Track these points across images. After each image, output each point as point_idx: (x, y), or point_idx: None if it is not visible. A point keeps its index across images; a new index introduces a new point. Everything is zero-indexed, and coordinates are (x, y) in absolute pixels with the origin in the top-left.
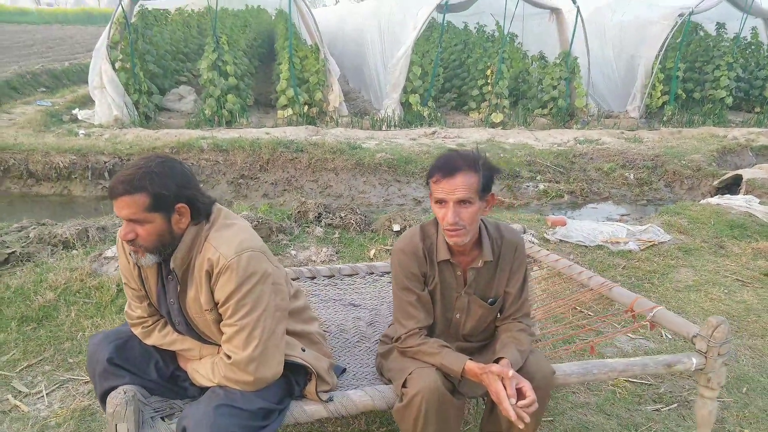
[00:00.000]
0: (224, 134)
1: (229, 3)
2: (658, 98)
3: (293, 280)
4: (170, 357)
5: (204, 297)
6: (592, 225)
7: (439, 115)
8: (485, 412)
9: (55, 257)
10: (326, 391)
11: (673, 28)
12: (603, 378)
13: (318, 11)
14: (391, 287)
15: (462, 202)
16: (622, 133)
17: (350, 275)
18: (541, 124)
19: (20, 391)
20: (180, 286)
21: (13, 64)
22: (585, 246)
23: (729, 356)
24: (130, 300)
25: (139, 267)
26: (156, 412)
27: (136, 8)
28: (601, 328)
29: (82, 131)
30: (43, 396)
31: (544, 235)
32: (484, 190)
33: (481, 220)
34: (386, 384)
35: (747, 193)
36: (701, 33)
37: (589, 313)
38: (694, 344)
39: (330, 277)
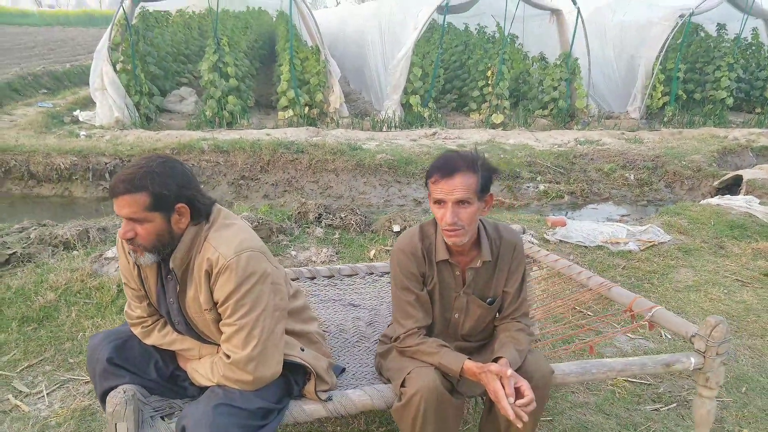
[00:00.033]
0: (225, 135)
1: (230, 5)
2: (659, 99)
3: (293, 280)
4: (170, 357)
5: (203, 297)
6: (592, 225)
7: (439, 116)
8: (484, 412)
9: (56, 258)
10: (325, 391)
11: (673, 29)
12: (601, 377)
13: (319, 13)
14: (390, 287)
15: (460, 202)
16: (623, 133)
17: (350, 275)
18: (542, 125)
19: (21, 391)
20: (179, 286)
21: (15, 66)
22: (585, 246)
23: (728, 356)
24: (129, 300)
25: (138, 267)
26: (156, 411)
27: (137, 10)
28: (601, 328)
29: (83, 132)
30: (43, 396)
31: (544, 235)
32: (483, 190)
33: (480, 220)
34: (385, 383)
35: (747, 193)
36: (702, 34)
37: (589, 313)
38: (693, 344)
39: (330, 277)
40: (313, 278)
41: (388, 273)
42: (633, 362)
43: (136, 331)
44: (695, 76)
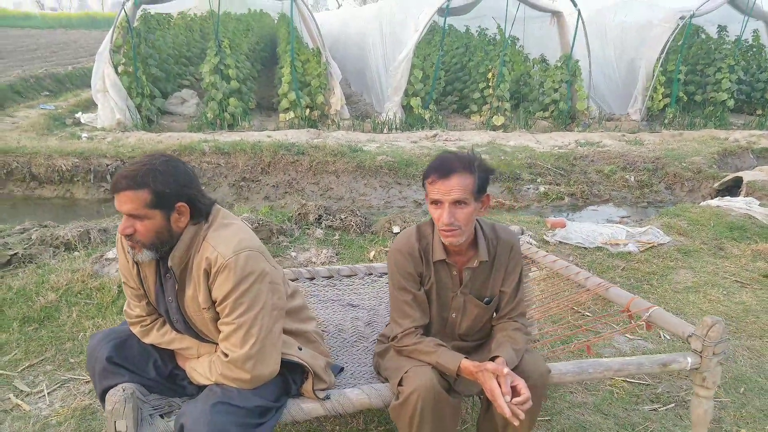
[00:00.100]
0: (226, 137)
1: (232, 7)
2: (660, 101)
3: (292, 280)
4: (169, 356)
5: (202, 295)
6: (592, 227)
7: (440, 117)
8: (481, 411)
9: (57, 259)
10: (323, 390)
11: (674, 31)
12: (598, 377)
13: (320, 15)
14: (388, 288)
15: (457, 202)
16: (623, 135)
17: (349, 276)
18: (543, 126)
19: (22, 391)
20: (178, 285)
21: (17, 68)
22: (584, 248)
23: (725, 356)
24: (129, 299)
25: (137, 266)
26: (155, 409)
27: (139, 12)
28: (599, 328)
29: (84, 134)
30: (44, 395)
31: (544, 236)
32: (480, 191)
33: (477, 220)
34: (383, 383)
35: (747, 195)
36: (702, 36)
37: (587, 313)
38: (690, 344)
39: (329, 277)
40: (312, 279)
41: (386, 274)
42: (630, 362)
43: (135, 330)
44: (696, 78)
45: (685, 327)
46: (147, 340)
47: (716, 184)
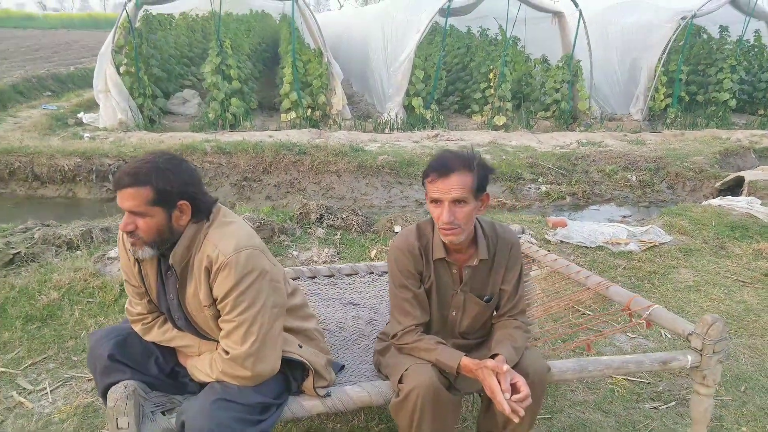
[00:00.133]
0: (228, 137)
1: (234, 8)
2: (661, 101)
3: (294, 279)
4: (170, 353)
5: (203, 293)
6: (593, 226)
7: (441, 117)
8: (481, 409)
9: (60, 258)
10: (324, 387)
11: (675, 31)
12: (599, 375)
13: (323, 15)
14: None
15: (457, 201)
16: (625, 135)
17: (350, 275)
18: (544, 126)
19: (25, 389)
20: (179, 282)
21: (19, 69)
22: (586, 247)
23: (725, 354)
24: (130, 297)
25: (139, 264)
26: (156, 406)
27: (141, 13)
28: (600, 327)
29: (86, 134)
30: (47, 393)
31: (545, 236)
32: (479, 189)
33: (477, 219)
34: (384, 380)
35: (749, 194)
36: (704, 36)
37: (588, 312)
38: (690, 342)
39: (330, 276)
40: (313, 277)
41: (387, 272)
42: (630, 360)
43: (137, 327)
44: (698, 78)
45: (685, 325)
46: (148, 338)
47: (718, 184)
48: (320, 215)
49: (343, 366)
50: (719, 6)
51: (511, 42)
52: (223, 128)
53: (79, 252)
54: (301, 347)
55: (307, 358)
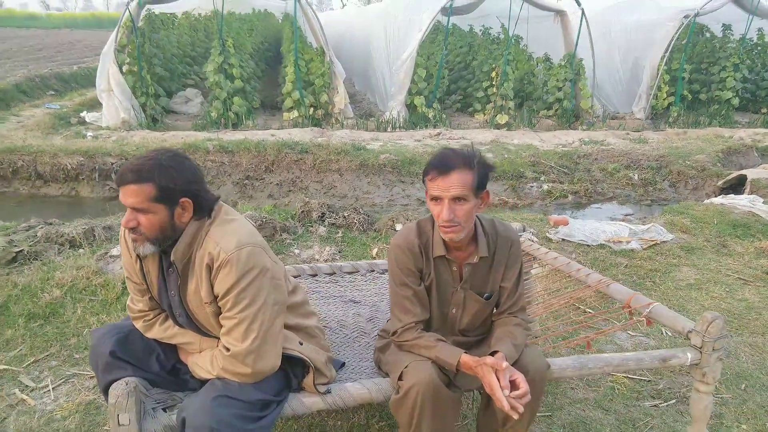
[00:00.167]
0: (230, 136)
1: (236, 7)
2: (664, 99)
3: (295, 277)
4: (171, 350)
5: (204, 290)
6: (595, 224)
7: (444, 116)
8: (481, 406)
9: (62, 256)
10: (324, 384)
11: (678, 30)
12: (598, 372)
13: (325, 15)
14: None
15: (457, 199)
16: (628, 134)
17: (351, 273)
18: (547, 125)
19: (27, 386)
20: (181, 279)
21: (23, 68)
22: (587, 245)
23: (725, 351)
24: (132, 294)
25: (141, 261)
26: (157, 403)
27: (143, 12)
28: (600, 325)
29: (89, 133)
30: (49, 390)
31: (547, 234)
32: (479, 187)
33: (477, 216)
34: (384, 377)
35: (751, 193)
36: (707, 34)
37: (588, 310)
38: (690, 339)
39: (331, 274)
40: (314, 275)
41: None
42: (629, 357)
43: (138, 324)
44: (701, 77)
45: (685, 323)
46: (149, 335)
47: (720, 182)
48: (322, 214)
49: (344, 363)
50: (722, 4)
51: (513, 40)
52: (226, 127)
53: (81, 250)
54: (301, 344)
55: (307, 355)
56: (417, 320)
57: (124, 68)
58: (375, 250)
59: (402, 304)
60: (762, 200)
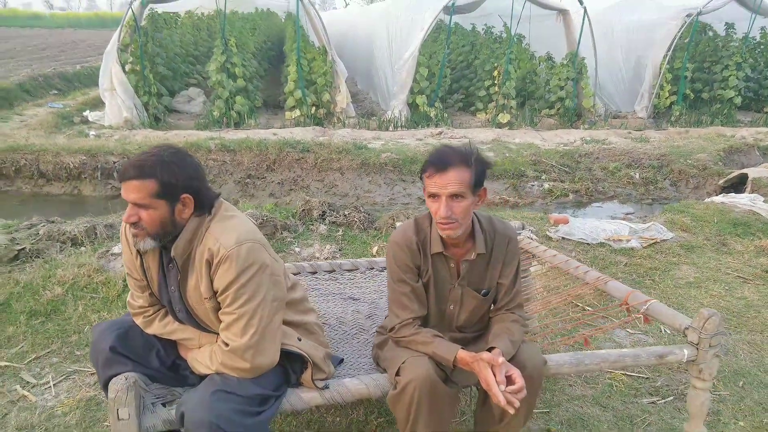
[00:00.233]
0: (232, 135)
1: (239, 6)
2: (666, 98)
3: (295, 274)
4: (171, 346)
5: (204, 286)
6: (595, 223)
7: (445, 115)
8: (478, 402)
9: (64, 254)
10: (322, 380)
11: (681, 28)
12: (595, 368)
13: (329, 14)
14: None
15: (454, 196)
16: (629, 133)
17: (350, 270)
18: (549, 124)
19: (28, 382)
20: (180, 275)
21: (26, 67)
22: (587, 244)
23: (721, 348)
24: (132, 290)
25: (141, 257)
26: (157, 398)
27: (146, 12)
28: (598, 322)
29: (92, 132)
30: (50, 386)
31: (547, 232)
32: (477, 184)
33: (474, 213)
34: (382, 373)
35: (752, 191)
36: (710, 33)
37: (587, 307)
38: (686, 336)
39: (331, 271)
40: (314, 273)
41: None
42: (626, 354)
43: (138, 320)
44: (703, 76)
45: (682, 320)
46: (149, 331)
47: (721, 181)
48: (323, 212)
49: (343, 360)
50: (725, 3)
51: (515, 39)
52: (228, 126)
53: (83, 248)
54: (300, 340)
55: (306, 350)
56: (414, 316)
57: (127, 67)
58: (375, 249)
59: (400, 300)
60: (763, 199)
